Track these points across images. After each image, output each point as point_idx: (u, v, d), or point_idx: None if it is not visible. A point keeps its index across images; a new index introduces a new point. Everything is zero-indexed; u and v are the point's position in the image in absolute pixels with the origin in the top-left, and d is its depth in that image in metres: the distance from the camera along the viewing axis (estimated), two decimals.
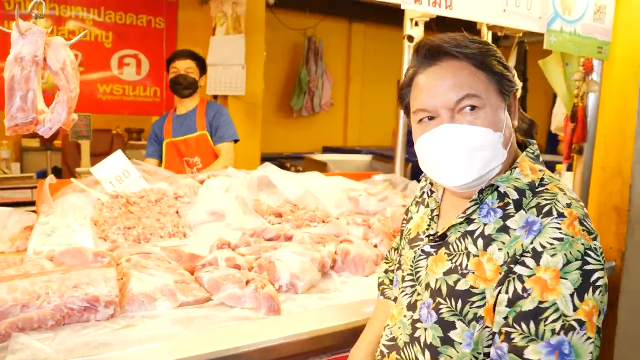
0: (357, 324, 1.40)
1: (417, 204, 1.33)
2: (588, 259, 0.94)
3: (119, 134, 5.66)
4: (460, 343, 1.03)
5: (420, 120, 1.12)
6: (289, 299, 1.52)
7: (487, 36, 2.85)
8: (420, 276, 1.16)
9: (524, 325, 0.93)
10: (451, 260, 1.09)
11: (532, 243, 0.97)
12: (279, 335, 1.31)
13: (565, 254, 0.93)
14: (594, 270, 0.93)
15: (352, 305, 1.51)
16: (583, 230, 0.97)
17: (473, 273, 1.04)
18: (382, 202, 2.36)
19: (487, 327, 1.00)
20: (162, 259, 1.64)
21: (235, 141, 3.18)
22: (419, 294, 1.15)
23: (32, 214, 2.00)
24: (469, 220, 1.10)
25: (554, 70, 2.45)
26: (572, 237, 0.95)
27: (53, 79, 1.39)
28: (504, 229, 1.04)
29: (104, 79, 5.87)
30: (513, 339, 0.94)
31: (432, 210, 1.23)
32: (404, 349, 1.14)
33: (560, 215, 0.98)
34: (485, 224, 1.07)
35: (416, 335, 1.11)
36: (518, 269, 0.97)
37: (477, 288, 1.02)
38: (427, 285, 1.12)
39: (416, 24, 2.81)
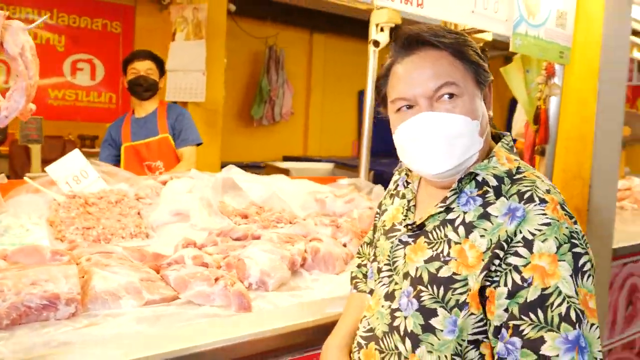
0: (330, 321, 1.37)
1: (391, 197, 1.32)
2: (574, 241, 0.95)
3: (72, 141, 5.47)
4: (442, 330, 1.02)
5: (399, 110, 1.11)
6: (259, 296, 1.48)
7: None
8: (397, 266, 1.15)
9: (532, 315, 0.92)
10: (432, 248, 1.08)
11: (520, 232, 0.97)
12: (251, 332, 1.27)
13: (556, 237, 0.94)
14: (580, 254, 0.95)
15: (324, 302, 1.48)
16: (565, 214, 0.98)
17: (455, 260, 1.03)
18: (349, 203, 2.34)
19: (472, 314, 0.99)
20: (124, 258, 1.57)
21: (198, 145, 3.11)
22: (396, 284, 1.13)
23: None
24: (447, 210, 1.10)
25: (515, 77, 2.51)
26: (558, 220, 0.96)
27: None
28: (485, 216, 1.03)
29: (56, 84, 5.69)
30: (523, 331, 0.93)
31: (408, 201, 1.22)
32: (383, 338, 1.12)
33: (542, 201, 0.99)
34: (465, 212, 1.07)
35: (395, 324, 1.09)
36: (512, 259, 0.96)
37: (459, 275, 1.02)
38: (407, 274, 1.11)
39: (382, 29, 2.83)
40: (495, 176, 1.07)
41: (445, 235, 1.07)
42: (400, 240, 1.16)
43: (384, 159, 5.67)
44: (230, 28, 5.52)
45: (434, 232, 1.10)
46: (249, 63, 7.06)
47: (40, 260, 1.39)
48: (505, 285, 0.96)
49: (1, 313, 1.11)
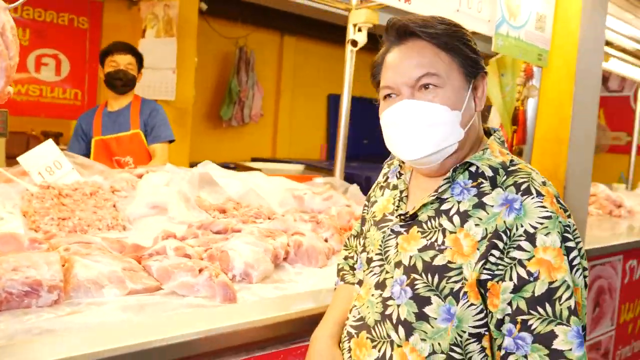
0: (316, 312, 1.36)
1: (381, 189, 1.33)
2: (567, 235, 0.98)
3: (36, 137, 5.31)
4: (436, 318, 1.03)
5: (385, 97, 1.15)
6: (244, 288, 1.46)
7: None
8: (389, 255, 1.15)
9: (540, 309, 0.94)
10: (426, 237, 1.09)
11: (522, 225, 0.98)
12: (237, 322, 1.25)
13: (558, 231, 0.97)
14: (572, 249, 0.98)
15: (309, 294, 1.47)
16: (560, 208, 1.01)
17: (451, 249, 1.04)
18: (327, 201, 2.34)
19: (472, 304, 1.00)
20: (103, 249, 1.53)
21: (171, 142, 3.06)
22: (387, 272, 1.14)
23: None
24: (440, 200, 1.11)
25: (490, 80, 2.56)
26: (555, 213, 0.98)
27: None
28: (480, 206, 1.05)
29: (20, 79, 5.49)
30: (532, 326, 0.94)
31: (401, 192, 1.23)
32: (375, 327, 1.12)
33: (539, 194, 1.01)
34: (459, 202, 1.08)
35: (387, 312, 1.09)
36: (516, 253, 0.98)
37: (454, 263, 1.03)
38: (399, 263, 1.11)
39: (359, 29, 2.85)
40: (490, 167, 1.08)
41: (440, 225, 1.08)
42: (392, 230, 1.17)
43: (353, 163, 5.72)
44: (201, 27, 5.47)
45: (428, 222, 1.11)
46: (219, 63, 6.99)
47: (18, 248, 1.34)
48: (511, 279, 0.97)
49: None
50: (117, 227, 1.84)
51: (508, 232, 0.99)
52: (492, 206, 1.04)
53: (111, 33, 5.80)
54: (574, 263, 0.97)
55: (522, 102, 2.21)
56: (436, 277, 1.04)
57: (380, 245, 1.18)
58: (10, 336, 1.04)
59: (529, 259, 0.97)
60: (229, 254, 1.53)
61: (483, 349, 1.02)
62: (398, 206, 1.21)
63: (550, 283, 0.94)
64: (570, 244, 0.98)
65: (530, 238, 0.97)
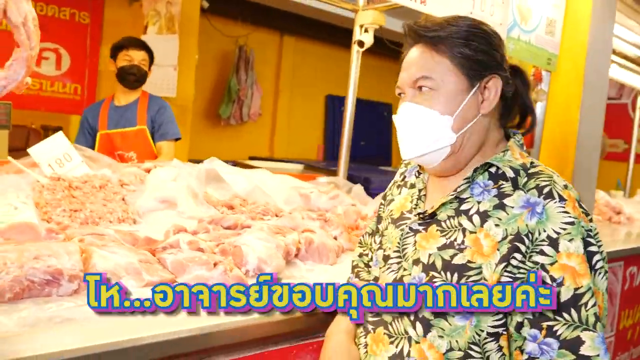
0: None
1: (398, 187, 1.34)
2: (589, 239, 0.99)
3: (36, 130, 5.29)
4: (453, 316, 1.04)
5: (399, 96, 1.20)
6: None
7: None
8: (406, 253, 1.16)
9: (565, 315, 0.95)
10: (445, 236, 1.10)
11: (544, 230, 0.99)
12: (255, 316, 1.26)
13: (581, 237, 0.98)
14: (594, 253, 0.99)
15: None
16: (582, 212, 1.02)
17: (470, 248, 1.05)
18: (333, 200, 2.35)
19: None
20: (116, 241, 1.53)
21: (177, 139, 3.07)
22: (405, 270, 1.15)
23: None
24: (459, 199, 1.13)
25: None
26: (577, 218, 0.99)
27: None
28: (501, 207, 1.06)
29: None
30: (557, 331, 0.96)
31: (419, 190, 1.24)
32: (392, 323, 1.13)
33: (562, 198, 1.01)
34: (479, 202, 1.09)
35: None
36: (538, 258, 0.99)
37: (474, 262, 1.04)
38: (417, 261, 1.12)
39: (366, 30, 2.87)
40: (512, 168, 1.10)
41: (460, 224, 1.09)
42: (410, 228, 1.18)
43: (351, 164, 5.73)
44: (201, 25, 5.47)
45: (447, 221, 1.12)
46: (219, 62, 6.99)
47: (35, 237, 1.34)
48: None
49: (4, 286, 1.06)
50: (127, 220, 1.84)
51: (530, 235, 1.00)
52: (513, 207, 1.05)
53: (112, 28, 5.79)
54: (596, 267, 0.99)
55: None
56: (455, 275, 1.06)
57: (398, 243, 1.20)
58: (33, 324, 1.04)
59: (551, 264, 0.98)
60: (242, 249, 1.53)
61: (500, 348, 1.03)
62: (416, 205, 1.23)
63: (576, 289, 0.96)
64: (593, 248, 0.99)
65: (553, 243, 0.98)
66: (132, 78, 2.95)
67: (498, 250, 1.02)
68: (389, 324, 1.14)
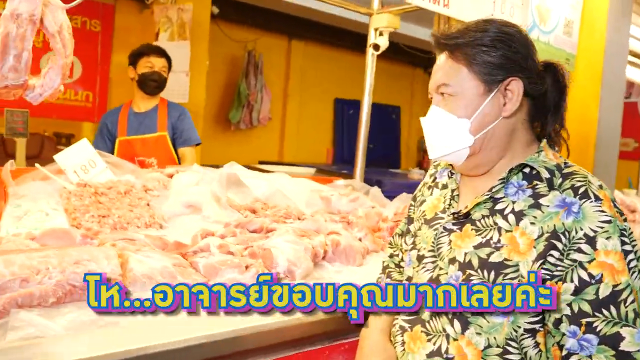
0: None
1: (429, 188, 1.36)
2: (623, 239, 1.00)
3: (50, 137, 5.34)
4: (492, 313, 1.05)
5: (430, 99, 1.24)
6: None
7: None
8: (442, 252, 1.18)
9: (605, 312, 0.96)
10: (480, 235, 1.12)
11: (581, 229, 1.00)
12: (289, 318, 1.27)
13: (618, 235, 0.99)
14: (628, 252, 1.00)
15: None
16: (617, 212, 1.03)
17: (507, 246, 1.07)
18: (354, 202, 2.37)
19: None
20: (147, 245, 1.55)
21: (198, 144, 3.10)
22: (441, 269, 1.17)
23: None
24: (493, 199, 1.14)
25: None
26: (613, 217, 1.01)
27: None
28: (536, 206, 1.07)
29: None
30: (597, 327, 0.97)
31: (452, 190, 1.26)
32: (430, 321, 1.14)
33: (597, 198, 1.03)
34: (514, 202, 1.11)
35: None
36: (576, 256, 1.00)
37: (511, 260, 1.05)
38: (453, 260, 1.14)
39: (381, 33, 2.89)
40: (547, 169, 1.11)
41: (495, 223, 1.11)
42: (444, 228, 1.20)
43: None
44: (211, 31, 5.51)
45: (482, 220, 1.13)
46: (228, 67, 7.02)
47: (71, 243, 1.36)
48: (572, 281, 1.00)
49: (48, 290, 1.08)
50: (154, 225, 1.86)
51: (567, 234, 1.01)
52: (548, 206, 1.06)
53: (123, 36, 5.84)
54: (630, 265, 1.00)
55: None
56: (492, 273, 1.07)
57: (433, 243, 1.21)
58: (77, 327, 1.06)
59: (589, 262, 0.99)
60: (272, 251, 1.55)
61: (537, 344, 1.05)
62: (450, 205, 1.24)
63: (615, 286, 0.97)
64: (628, 247, 1.00)
65: (591, 241, 0.99)
66: (154, 84, 2.99)
67: (534, 247, 1.03)
68: (427, 322, 1.15)
